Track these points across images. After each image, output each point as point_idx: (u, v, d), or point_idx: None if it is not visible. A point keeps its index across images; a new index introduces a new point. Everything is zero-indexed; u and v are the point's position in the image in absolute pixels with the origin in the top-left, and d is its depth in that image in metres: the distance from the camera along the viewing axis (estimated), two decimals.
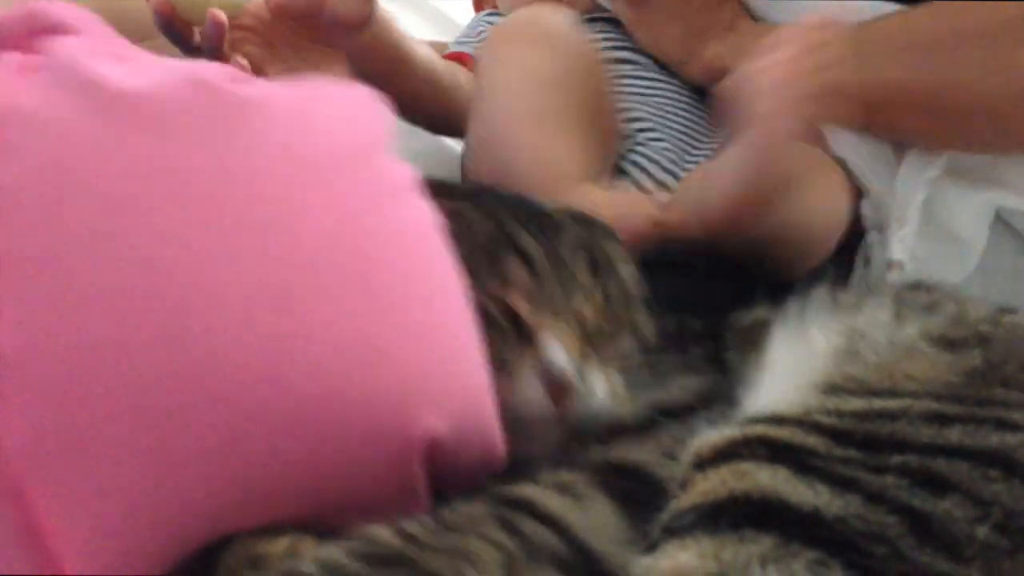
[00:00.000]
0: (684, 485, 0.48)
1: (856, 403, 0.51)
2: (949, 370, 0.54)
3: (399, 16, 1.08)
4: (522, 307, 0.63)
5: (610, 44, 1.13)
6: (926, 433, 0.48)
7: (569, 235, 0.70)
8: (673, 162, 1.05)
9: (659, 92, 1.10)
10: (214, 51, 0.85)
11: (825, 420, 0.50)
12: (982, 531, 0.43)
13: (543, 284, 0.65)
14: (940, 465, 0.46)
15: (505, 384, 0.59)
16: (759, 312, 0.71)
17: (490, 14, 1.35)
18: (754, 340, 0.66)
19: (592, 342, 0.64)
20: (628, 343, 0.69)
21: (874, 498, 0.45)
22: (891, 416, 0.49)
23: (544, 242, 0.68)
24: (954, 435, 0.48)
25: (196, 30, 0.87)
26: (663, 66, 1.12)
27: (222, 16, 0.83)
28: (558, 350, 0.61)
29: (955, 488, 0.45)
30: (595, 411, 0.62)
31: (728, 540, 0.43)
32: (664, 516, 0.47)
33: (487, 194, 0.76)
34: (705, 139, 1.09)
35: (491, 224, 0.68)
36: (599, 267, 0.70)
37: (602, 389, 0.62)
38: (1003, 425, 0.48)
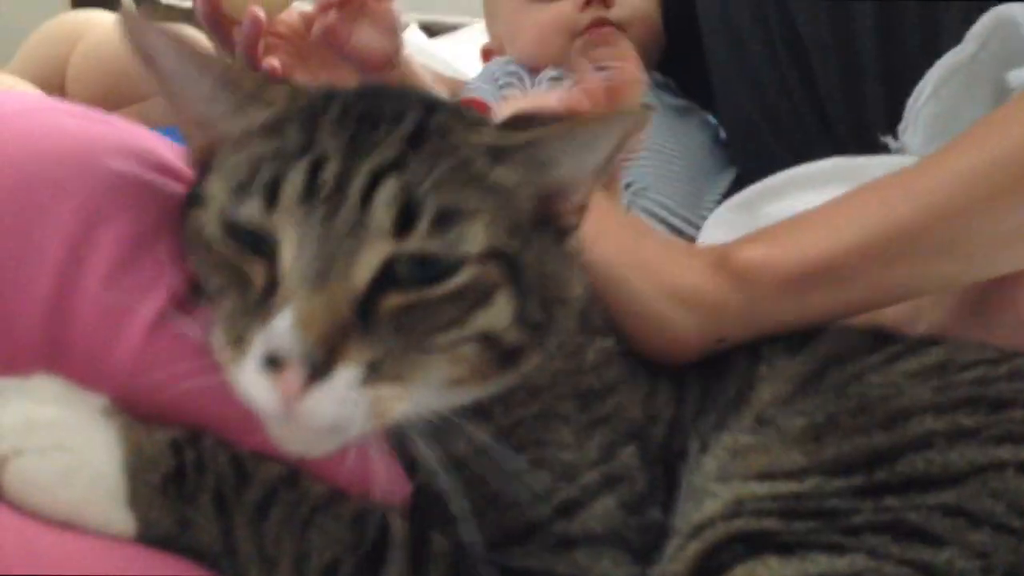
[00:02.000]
0: None
1: (766, 489, 0.52)
2: (796, 449, 0.54)
3: None
4: (283, 258, 0.47)
5: None
6: (867, 505, 0.49)
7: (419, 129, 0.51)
8: (684, 206, 1.07)
9: (668, 138, 1.13)
10: (248, 51, 0.85)
11: (761, 506, 0.50)
12: None
13: (315, 218, 0.47)
14: (912, 518, 0.47)
15: (233, 363, 0.47)
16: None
17: (507, 62, 1.36)
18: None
19: (368, 333, 0.46)
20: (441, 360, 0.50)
21: (873, 554, 0.46)
22: (809, 496, 0.50)
23: (354, 149, 0.49)
24: (891, 502, 0.49)
25: (236, 29, 0.87)
26: (665, 113, 1.16)
27: (261, 15, 0.83)
28: (285, 324, 0.45)
29: (942, 540, 0.46)
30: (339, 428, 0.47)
31: None
32: None
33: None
34: (718, 182, 1.12)
35: (302, 126, 0.51)
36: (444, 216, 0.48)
37: (351, 397, 0.46)
38: (921, 482, 0.50)
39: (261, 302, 0.46)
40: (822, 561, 0.46)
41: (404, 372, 0.48)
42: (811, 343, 0.64)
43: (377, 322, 0.47)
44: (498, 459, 0.52)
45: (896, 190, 0.64)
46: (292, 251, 0.46)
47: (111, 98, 1.39)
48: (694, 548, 0.50)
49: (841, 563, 0.46)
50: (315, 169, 0.48)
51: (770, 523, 0.49)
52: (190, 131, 0.55)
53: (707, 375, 0.64)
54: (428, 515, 0.54)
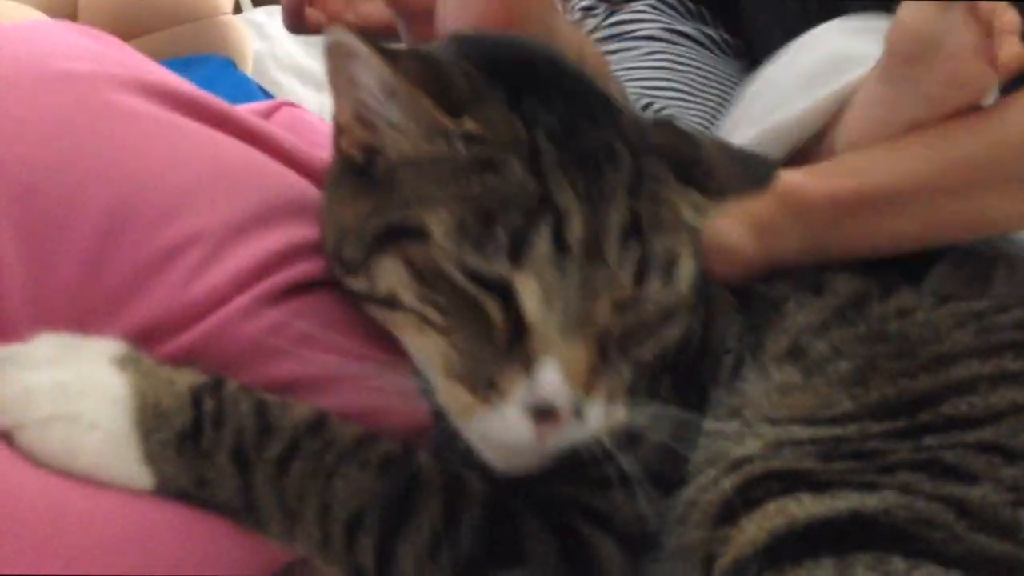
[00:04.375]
0: (713, 542, 0.49)
1: (809, 433, 0.52)
2: (844, 393, 0.54)
3: None
4: (531, 308, 0.49)
5: (646, 21, 1.15)
6: (905, 445, 0.49)
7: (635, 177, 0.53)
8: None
9: (693, 65, 1.11)
10: None
11: (801, 448, 0.51)
12: None
13: (568, 273, 0.49)
14: (948, 457, 0.48)
15: (483, 407, 0.49)
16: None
17: None
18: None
19: (605, 364, 0.50)
20: (647, 371, 0.55)
21: (906, 489, 0.46)
22: (849, 439, 0.51)
23: (591, 200, 0.51)
24: (930, 441, 0.49)
25: None
26: (701, 44, 1.14)
27: None
28: (555, 377, 0.48)
29: (976, 477, 0.46)
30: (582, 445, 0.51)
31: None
32: (719, 573, 0.48)
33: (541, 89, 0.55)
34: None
35: (525, 166, 0.51)
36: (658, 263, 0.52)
37: (597, 425, 0.50)
38: (962, 422, 0.50)
39: (510, 348, 0.48)
40: (853, 498, 0.46)
41: (621, 387, 0.52)
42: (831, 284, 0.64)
43: (608, 352, 0.51)
44: None
45: (962, 127, 0.63)
46: (543, 302, 0.48)
47: (122, 29, 1.37)
48: (731, 481, 0.51)
49: (871, 499, 0.46)
50: (558, 223, 0.49)
51: (808, 463, 0.50)
52: (350, 125, 0.55)
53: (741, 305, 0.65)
54: (456, 455, 0.54)
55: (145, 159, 0.55)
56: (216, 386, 0.50)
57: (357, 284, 0.54)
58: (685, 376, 0.59)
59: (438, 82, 0.52)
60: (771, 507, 0.47)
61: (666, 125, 0.58)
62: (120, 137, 0.55)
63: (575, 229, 0.49)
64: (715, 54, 1.15)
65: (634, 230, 0.51)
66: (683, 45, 1.13)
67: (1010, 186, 0.62)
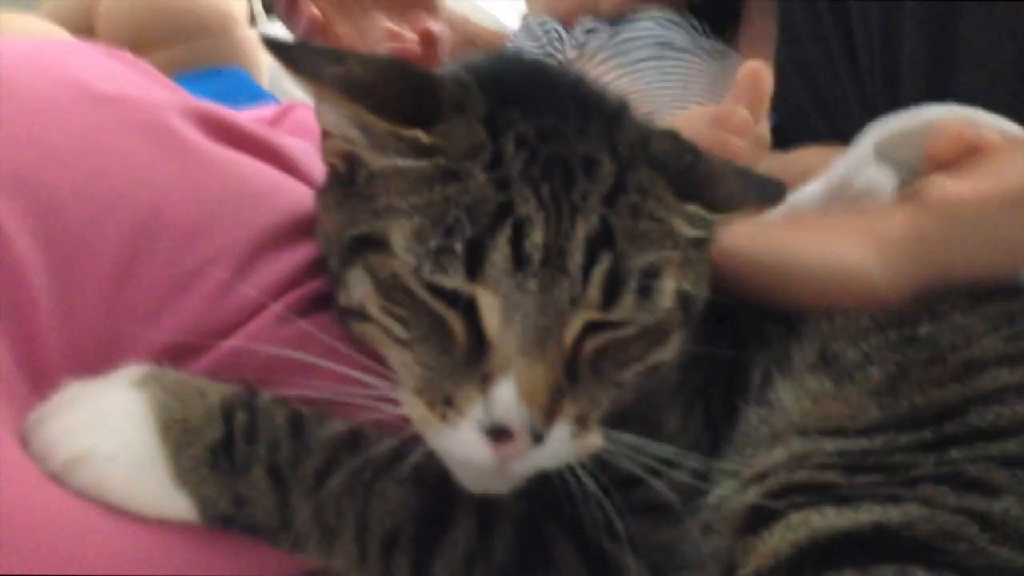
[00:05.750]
0: (735, 551, 0.49)
1: (836, 446, 0.52)
2: (873, 402, 0.54)
3: None
4: (490, 323, 0.47)
5: (645, 38, 1.18)
6: (929, 459, 0.49)
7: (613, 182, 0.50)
8: None
9: (680, 75, 1.14)
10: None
11: (826, 460, 0.51)
12: None
13: (528, 286, 0.46)
14: (971, 470, 0.48)
15: (441, 424, 0.47)
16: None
17: (544, 20, 1.35)
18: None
19: (574, 387, 0.48)
20: (631, 392, 0.53)
21: (929, 503, 0.46)
22: (876, 452, 0.50)
23: (557, 208, 0.48)
24: (955, 454, 0.49)
25: None
26: (694, 54, 1.17)
27: None
28: (510, 397, 0.45)
29: (999, 490, 0.46)
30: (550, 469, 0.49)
31: None
32: None
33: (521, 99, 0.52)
34: None
35: (487, 174, 0.48)
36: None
37: (563, 450, 0.48)
38: (987, 434, 0.49)
39: (469, 363, 0.47)
40: (876, 511, 0.46)
41: (596, 412, 0.50)
42: None
43: (579, 374, 0.48)
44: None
45: None
46: (501, 317, 0.46)
47: (140, 42, 1.39)
48: (755, 492, 0.51)
49: (895, 512, 0.46)
50: (518, 233, 0.47)
51: (832, 476, 0.50)
52: (330, 136, 0.54)
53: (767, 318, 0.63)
54: None
55: (168, 180, 0.55)
56: (249, 399, 0.49)
57: (341, 298, 0.53)
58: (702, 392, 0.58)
59: (385, 94, 0.49)
60: (794, 519, 0.47)
61: (670, 135, 0.56)
62: (143, 158, 0.55)
63: (535, 238, 0.47)
64: (710, 63, 1.18)
65: (606, 242, 0.48)
66: (674, 59, 1.16)
67: None
